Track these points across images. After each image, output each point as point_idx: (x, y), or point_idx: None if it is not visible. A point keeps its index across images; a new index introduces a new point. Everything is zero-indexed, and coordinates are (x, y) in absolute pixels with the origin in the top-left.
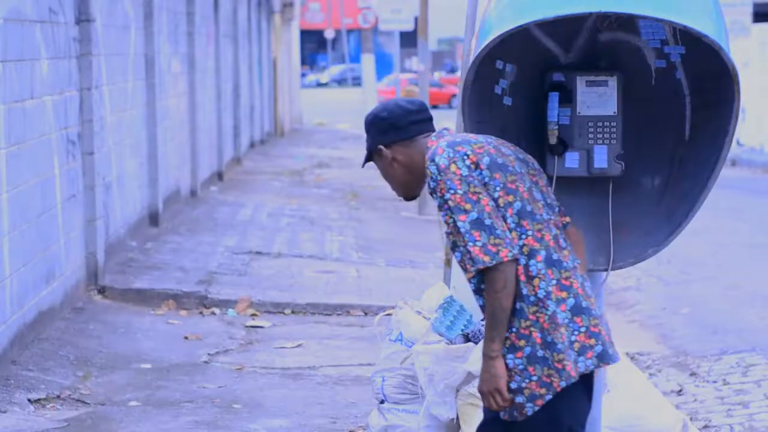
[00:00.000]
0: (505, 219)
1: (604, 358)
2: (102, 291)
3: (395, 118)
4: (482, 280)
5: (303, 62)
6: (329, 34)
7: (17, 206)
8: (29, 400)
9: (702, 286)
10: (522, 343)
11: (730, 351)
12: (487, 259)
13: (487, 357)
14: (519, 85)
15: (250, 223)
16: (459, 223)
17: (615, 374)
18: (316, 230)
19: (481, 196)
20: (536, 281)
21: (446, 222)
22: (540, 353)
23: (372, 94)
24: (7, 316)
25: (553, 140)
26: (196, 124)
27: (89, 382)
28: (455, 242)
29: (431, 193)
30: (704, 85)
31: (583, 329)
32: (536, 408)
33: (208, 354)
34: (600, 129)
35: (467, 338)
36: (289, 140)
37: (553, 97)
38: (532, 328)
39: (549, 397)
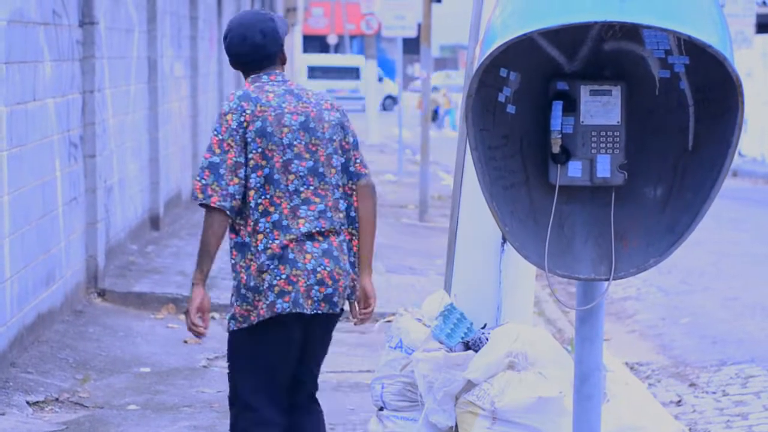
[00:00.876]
0: (248, 177)
1: (297, 305)
2: (102, 294)
3: (228, 54)
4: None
5: None
6: (332, 40)
7: (18, 208)
8: (28, 402)
9: (702, 297)
10: (234, 275)
11: (729, 362)
12: (201, 196)
13: (191, 283)
14: (523, 93)
15: None
16: (203, 159)
17: (614, 384)
18: None
19: (231, 150)
20: (260, 236)
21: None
22: (242, 291)
23: (373, 99)
24: (7, 318)
25: (556, 149)
26: (198, 128)
27: (88, 386)
28: None
29: None
30: (708, 96)
31: (284, 276)
32: (236, 327)
33: (207, 359)
34: (603, 138)
35: (467, 346)
36: None
37: (557, 106)
38: (243, 271)
39: (245, 325)
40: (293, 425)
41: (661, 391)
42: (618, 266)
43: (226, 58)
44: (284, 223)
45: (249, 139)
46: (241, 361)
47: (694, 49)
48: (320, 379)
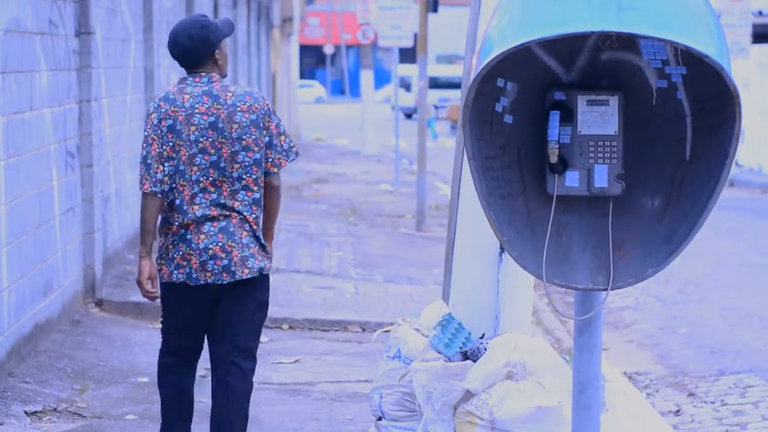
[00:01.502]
0: (164, 164)
1: (191, 278)
2: (99, 304)
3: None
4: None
5: (301, 77)
6: (328, 50)
7: (15, 218)
8: (26, 412)
9: (700, 306)
10: (160, 238)
11: (728, 372)
12: (140, 186)
13: (139, 256)
14: (520, 103)
15: None
16: (141, 155)
17: (613, 394)
18: (314, 246)
19: (154, 143)
20: (168, 214)
21: None
22: (156, 252)
23: (370, 109)
24: (5, 328)
25: (553, 159)
26: None
27: (86, 395)
28: None
29: None
30: (705, 106)
31: (181, 252)
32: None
33: (205, 368)
34: (600, 148)
35: (466, 356)
36: None
37: (554, 116)
38: (161, 237)
39: (158, 280)
40: (214, 379)
41: (659, 400)
42: (616, 276)
43: None
44: (183, 207)
45: (162, 135)
46: (162, 311)
47: (691, 59)
48: (318, 389)
